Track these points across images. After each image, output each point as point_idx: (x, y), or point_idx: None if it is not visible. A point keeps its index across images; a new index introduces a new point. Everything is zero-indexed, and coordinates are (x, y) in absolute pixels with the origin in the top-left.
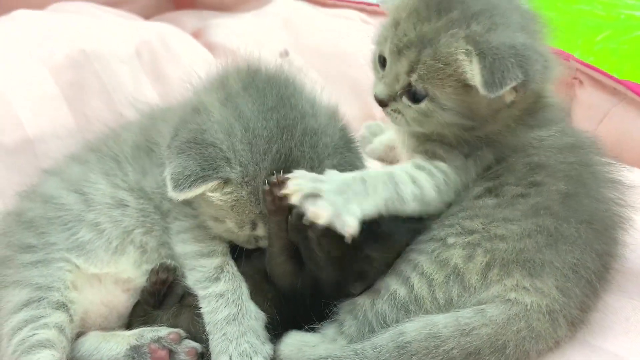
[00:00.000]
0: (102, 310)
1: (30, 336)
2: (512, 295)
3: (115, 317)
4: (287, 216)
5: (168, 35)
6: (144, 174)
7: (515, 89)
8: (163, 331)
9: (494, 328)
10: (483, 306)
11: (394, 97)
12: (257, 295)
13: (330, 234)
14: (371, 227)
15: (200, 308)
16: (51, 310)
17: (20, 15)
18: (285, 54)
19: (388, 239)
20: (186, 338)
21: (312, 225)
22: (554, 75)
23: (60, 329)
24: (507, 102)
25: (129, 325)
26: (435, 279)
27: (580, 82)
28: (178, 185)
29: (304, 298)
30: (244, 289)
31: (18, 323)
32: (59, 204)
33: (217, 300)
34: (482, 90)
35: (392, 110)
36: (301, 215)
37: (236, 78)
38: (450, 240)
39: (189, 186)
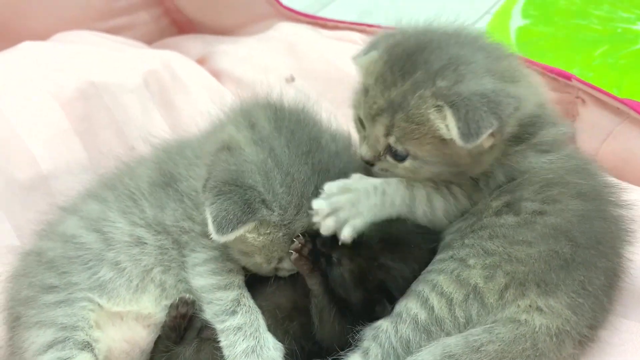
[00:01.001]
0: (125, 347)
1: None
2: (523, 317)
3: (137, 354)
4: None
5: (174, 63)
6: (161, 208)
7: (491, 134)
8: None
9: (501, 345)
10: (492, 325)
11: (379, 157)
12: (278, 330)
13: (348, 253)
14: (384, 237)
15: (219, 342)
16: (77, 351)
17: (27, 48)
18: (291, 79)
19: (400, 246)
20: None
21: (333, 249)
22: (528, 112)
23: None
24: (487, 147)
25: None
26: (455, 297)
27: (583, 101)
28: (221, 229)
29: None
30: (261, 321)
31: None
32: (79, 243)
33: (235, 334)
34: (459, 142)
35: (380, 169)
36: (326, 241)
37: (266, 117)
38: (471, 261)
39: (231, 230)
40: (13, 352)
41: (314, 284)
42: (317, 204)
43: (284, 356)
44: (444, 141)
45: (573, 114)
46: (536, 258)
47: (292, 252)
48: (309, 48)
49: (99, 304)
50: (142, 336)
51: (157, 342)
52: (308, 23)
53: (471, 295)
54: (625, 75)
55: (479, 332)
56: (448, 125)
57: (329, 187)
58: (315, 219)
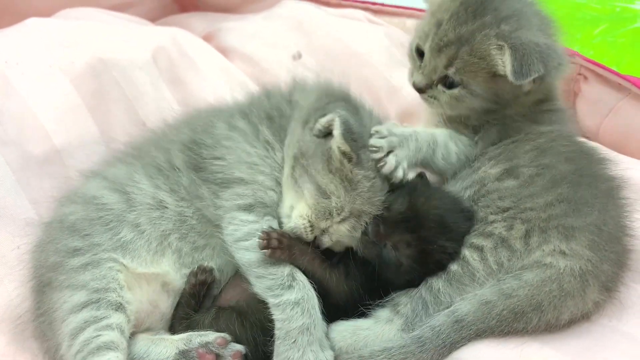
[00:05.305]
0: (149, 309)
1: (95, 337)
2: (548, 260)
3: (157, 317)
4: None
5: (181, 40)
6: (197, 186)
7: (534, 80)
8: (210, 336)
9: (530, 289)
10: (520, 271)
11: (430, 85)
12: None
13: (405, 239)
14: (436, 219)
15: (271, 315)
16: (112, 311)
17: (34, 24)
18: (298, 56)
19: (451, 226)
20: (231, 341)
21: (388, 236)
22: (565, 73)
23: (121, 330)
24: (525, 91)
25: (171, 328)
26: (485, 246)
27: (585, 77)
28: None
29: (360, 298)
30: (315, 299)
31: (79, 324)
32: (100, 204)
33: (292, 309)
34: (511, 78)
35: (429, 96)
36: (378, 230)
37: (342, 99)
38: (490, 217)
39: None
40: (40, 314)
41: (301, 264)
42: (376, 141)
43: None
44: (495, 76)
45: (575, 90)
46: (545, 205)
47: (266, 250)
48: (317, 25)
49: (124, 264)
50: (163, 300)
51: (177, 308)
52: (311, 0)
53: (499, 243)
54: (625, 53)
55: (510, 280)
56: (505, 62)
57: (380, 129)
58: (376, 156)
